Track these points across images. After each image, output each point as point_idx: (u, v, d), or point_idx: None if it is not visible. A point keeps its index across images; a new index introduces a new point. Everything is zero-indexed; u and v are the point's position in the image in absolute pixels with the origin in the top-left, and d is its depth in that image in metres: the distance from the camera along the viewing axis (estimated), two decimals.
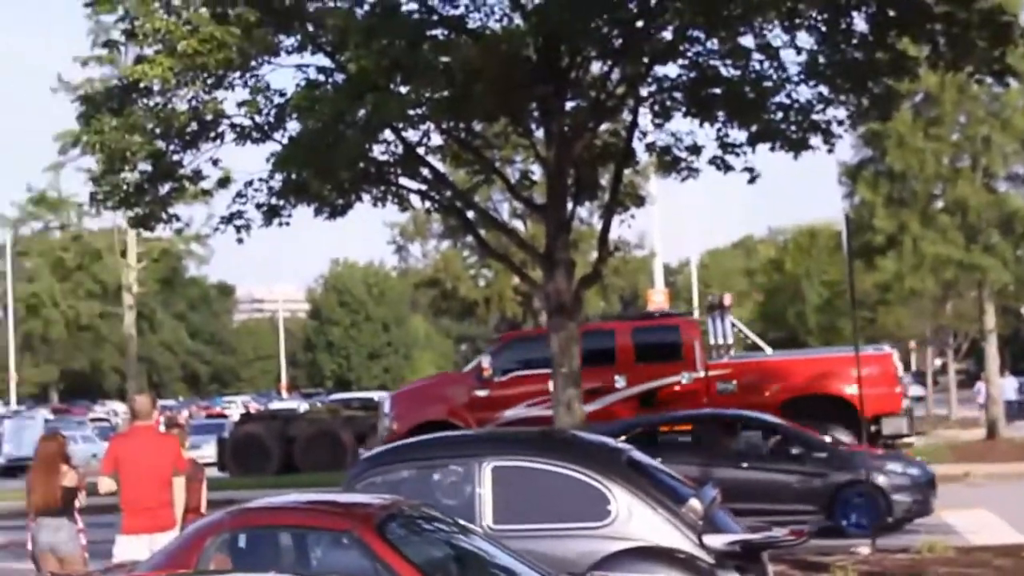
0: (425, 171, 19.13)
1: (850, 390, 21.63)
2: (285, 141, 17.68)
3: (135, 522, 11.57)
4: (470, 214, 20.88)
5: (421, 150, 19.12)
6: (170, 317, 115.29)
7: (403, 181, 19.48)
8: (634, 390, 23.26)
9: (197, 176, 18.72)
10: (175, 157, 18.40)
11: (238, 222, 19.02)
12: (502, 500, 9.65)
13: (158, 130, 17.57)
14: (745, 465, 17.24)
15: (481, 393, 23.83)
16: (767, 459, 17.54)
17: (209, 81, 17.15)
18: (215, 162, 18.53)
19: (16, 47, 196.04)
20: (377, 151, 18.38)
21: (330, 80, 17.31)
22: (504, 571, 8.08)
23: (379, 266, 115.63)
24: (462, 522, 8.77)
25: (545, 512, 9.59)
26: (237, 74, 17.52)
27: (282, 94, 17.66)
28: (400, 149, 18.69)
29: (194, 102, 17.42)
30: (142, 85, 17.20)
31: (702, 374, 23.64)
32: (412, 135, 18.65)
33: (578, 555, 9.16)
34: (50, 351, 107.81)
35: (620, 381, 23.35)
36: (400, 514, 8.28)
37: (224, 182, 18.63)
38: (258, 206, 18.94)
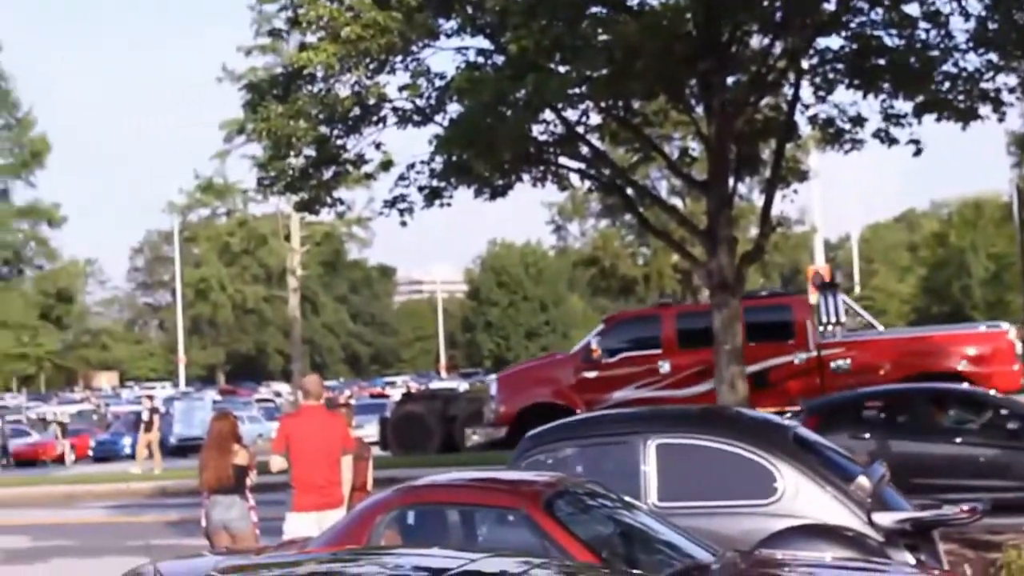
0: (585, 150, 19.19)
1: (966, 368, 21.06)
2: (446, 123, 17.90)
3: (305, 500, 11.89)
4: (630, 192, 20.87)
5: (580, 129, 19.18)
6: (332, 299, 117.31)
7: (563, 160, 19.57)
8: (745, 371, 22.89)
9: (360, 160, 19.05)
10: (338, 142, 18.76)
11: (401, 205, 19.32)
12: (667, 477, 9.66)
13: (322, 115, 17.93)
14: (959, 441, 16.44)
15: (589, 374, 23.73)
16: (982, 434, 16.66)
17: (371, 66, 17.43)
18: (377, 146, 18.84)
19: (182, 39, 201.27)
20: (537, 131, 18.50)
21: (490, 61, 17.48)
22: (670, 547, 8.10)
23: (536, 246, 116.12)
24: (628, 499, 8.82)
25: (710, 489, 9.58)
26: (399, 58, 17.78)
27: (442, 77, 17.89)
28: (560, 128, 18.77)
29: (357, 87, 17.74)
30: (306, 72, 17.57)
31: (815, 353, 23.17)
32: (571, 114, 18.74)
33: (744, 533, 9.14)
34: (217, 334, 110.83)
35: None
36: (567, 491, 8.34)
37: (386, 165, 18.93)
38: (420, 188, 19.21)
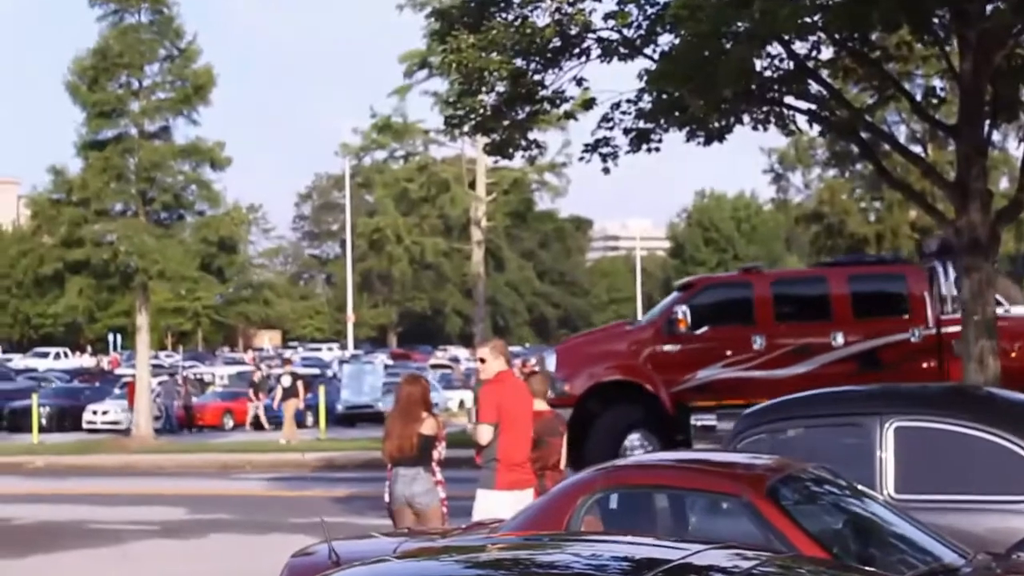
0: (815, 88, 18.92)
1: None
2: (657, 56, 17.83)
3: (508, 477, 12.06)
4: (865, 137, 20.52)
5: (811, 64, 18.92)
6: (518, 255, 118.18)
7: (789, 100, 19.33)
8: (852, 349, 21.81)
9: (559, 98, 19.10)
10: (535, 77, 18.82)
11: (604, 149, 19.34)
12: (907, 466, 9.53)
13: (517, 47, 18.00)
14: None
15: (669, 348, 22.45)
16: None
17: None
18: (579, 82, 18.85)
19: None
20: (761, 66, 18.30)
21: None
22: (910, 545, 8.00)
23: (751, 198, 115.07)
24: (861, 488, 8.74)
25: (957, 481, 9.43)
26: None
27: (654, 3, 17.79)
28: (787, 63, 18.54)
29: (557, 15, 17.76)
30: None
31: (934, 331, 22.46)
32: (801, 47, 18.48)
33: (995, 531, 8.97)
34: (389, 291, 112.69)
35: (836, 339, 21.98)
36: (793, 477, 8.29)
37: (588, 104, 18.95)
38: (625, 131, 19.19)
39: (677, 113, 18.54)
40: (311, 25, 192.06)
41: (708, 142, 19.17)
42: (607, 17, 18.00)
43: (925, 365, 21.52)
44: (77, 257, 38.30)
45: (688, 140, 19.26)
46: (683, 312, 21.97)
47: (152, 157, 37.52)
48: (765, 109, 19.45)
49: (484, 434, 12.27)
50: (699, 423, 20.95)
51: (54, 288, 49.01)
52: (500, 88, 18.99)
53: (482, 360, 12.70)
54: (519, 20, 18.17)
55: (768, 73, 18.67)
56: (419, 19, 43.42)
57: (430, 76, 45.51)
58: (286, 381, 37.80)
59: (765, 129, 19.60)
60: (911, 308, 22.18)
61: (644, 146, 19.22)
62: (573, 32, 18.10)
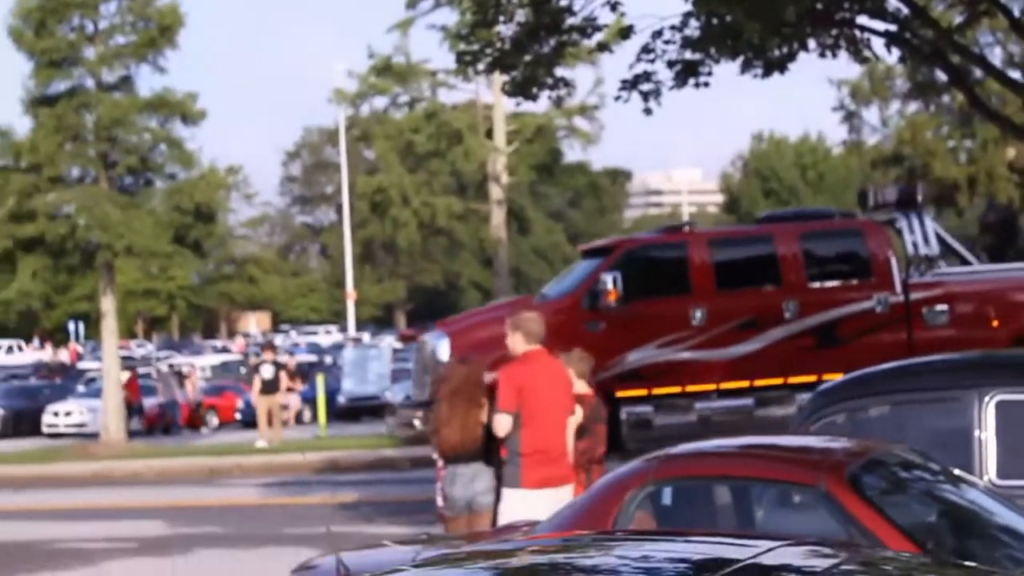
0: (894, 5, 18.89)
1: None
2: None
3: (536, 473, 12.07)
4: (955, 62, 20.49)
5: None
6: (545, 215, 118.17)
7: (862, 21, 19.30)
8: (808, 322, 21.41)
9: (590, 26, 19.10)
10: (562, 3, 18.84)
11: (645, 86, 19.34)
12: (1011, 447, 9.58)
13: None
14: None
15: (592, 328, 21.11)
16: None
17: None
18: (613, 6, 18.84)
19: None
20: None
21: None
22: (1015, 537, 8.05)
23: (818, 141, 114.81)
24: (958, 472, 8.77)
25: None
26: None
27: None
28: None
29: None
30: None
31: (901, 298, 22.09)
32: None
33: None
34: (395, 263, 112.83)
35: (788, 309, 21.51)
36: (878, 462, 8.35)
37: (624, 33, 18.94)
38: (670, 64, 19.21)
39: (730, 40, 18.53)
40: None
41: (767, 73, 19.16)
42: None
43: (891, 338, 21.36)
44: (29, 233, 38.38)
45: (743, 72, 19.26)
46: (612, 281, 20.88)
47: (113, 113, 37.57)
48: (834, 32, 19.42)
49: (501, 425, 12.34)
50: (631, 417, 20.27)
51: (4, 270, 49.07)
52: (520, 16, 19.00)
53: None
54: None
55: None
56: None
57: (437, 7, 45.59)
58: (267, 372, 37.50)
59: (835, 56, 19.58)
60: (874, 271, 21.87)
61: (691, 80, 19.23)
62: None
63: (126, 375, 45.87)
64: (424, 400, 21.00)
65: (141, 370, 48.88)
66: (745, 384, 20.89)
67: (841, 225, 22.77)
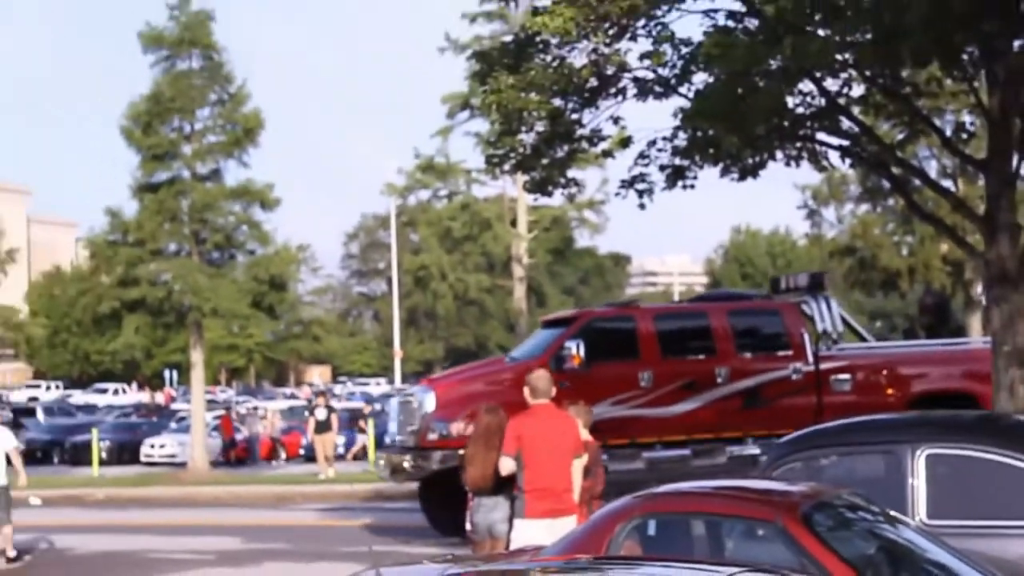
0: (846, 124, 18.85)
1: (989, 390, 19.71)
2: (691, 95, 17.84)
3: (537, 506, 12.02)
4: (896, 172, 20.45)
5: (842, 101, 18.86)
6: (559, 291, 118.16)
7: (821, 136, 19.27)
8: (738, 386, 21.25)
9: (596, 136, 19.12)
10: (573, 116, 18.86)
11: (640, 186, 19.34)
12: (938, 492, 9.48)
13: (556, 87, 18.03)
14: None
15: (560, 387, 21.09)
16: None
17: (611, 31, 17.45)
18: (615, 120, 18.87)
19: (400, 5, 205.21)
20: (793, 103, 18.28)
21: (741, 25, 17.32)
22: (943, 570, 7.94)
23: (786, 234, 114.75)
24: (894, 513, 8.68)
25: (989, 507, 9.36)
26: (640, 23, 17.76)
27: (688, 44, 17.79)
28: (819, 100, 18.50)
29: (594, 55, 17.78)
30: (539, 39, 17.73)
31: (812, 368, 21.66)
32: (832, 84, 18.42)
33: None
34: (435, 327, 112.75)
35: (721, 375, 21.25)
36: (826, 503, 8.25)
37: (625, 142, 18.95)
38: (661, 168, 19.20)
39: (711, 150, 18.55)
40: (355, 68, 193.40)
41: (742, 178, 19.13)
42: (642, 57, 18.02)
43: (804, 401, 21.15)
44: (133, 296, 38.44)
45: (722, 176, 19.23)
46: (576, 347, 20.60)
47: (204, 199, 37.72)
48: (798, 145, 19.40)
49: (503, 465, 12.41)
50: None
51: (112, 326, 49.16)
52: (539, 127, 19.04)
53: None
54: (557, 61, 18.22)
55: (800, 110, 18.63)
56: (460, 62, 43.69)
57: (472, 117, 45.73)
58: (320, 414, 37.59)
59: (798, 165, 19.55)
60: (790, 344, 21.77)
61: (679, 182, 19.22)
62: (609, 72, 18.13)
63: (221, 414, 46.07)
64: (410, 445, 20.92)
65: (220, 413, 48.85)
66: (683, 437, 20.76)
67: (763, 305, 22.76)
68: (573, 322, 21.57)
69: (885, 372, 21.82)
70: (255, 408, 52.66)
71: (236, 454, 44.46)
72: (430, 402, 20.88)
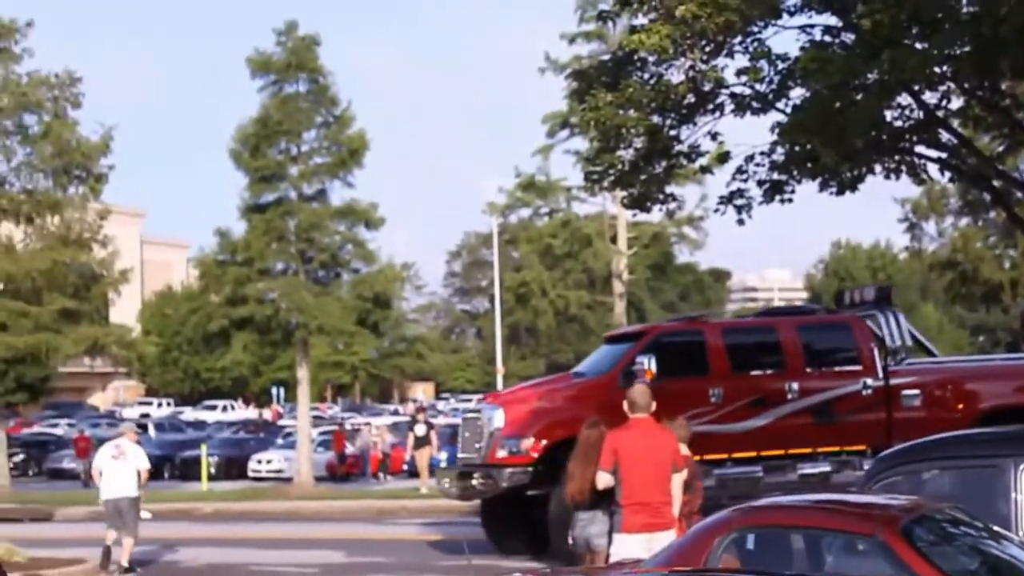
0: (945, 137, 18.59)
1: None
2: (788, 110, 17.69)
3: (635, 520, 11.91)
4: (996, 184, 20.11)
5: (940, 113, 18.60)
6: (659, 307, 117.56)
7: (919, 149, 19.01)
8: (808, 401, 20.63)
9: (694, 152, 19.00)
10: (671, 132, 18.77)
11: (738, 201, 19.18)
12: None
13: (653, 104, 17.96)
14: None
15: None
16: None
17: (707, 48, 17.35)
18: (713, 136, 18.75)
19: (501, 28, 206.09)
20: (891, 116, 18.05)
21: (838, 40, 17.15)
22: None
23: (886, 248, 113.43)
24: (997, 528, 8.49)
25: None
26: (737, 39, 17.64)
27: (785, 59, 17.64)
28: (917, 113, 18.25)
29: (691, 72, 17.70)
30: (636, 57, 17.68)
31: (882, 383, 20.98)
32: (930, 97, 18.18)
33: None
34: (536, 343, 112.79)
35: (791, 390, 20.62)
36: (927, 517, 8.11)
37: (723, 157, 18.83)
38: (759, 183, 19.04)
39: (809, 164, 18.35)
40: (457, 89, 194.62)
41: (840, 192, 18.90)
42: (739, 73, 17.88)
43: (873, 417, 20.62)
44: (242, 314, 38.82)
45: (821, 190, 19.02)
46: (648, 361, 19.84)
47: (310, 219, 38.03)
48: (896, 158, 19.15)
49: (600, 479, 12.35)
50: None
51: (221, 344, 49.89)
52: (637, 144, 18.98)
53: None
54: (654, 78, 18.15)
55: (898, 123, 18.40)
56: (560, 81, 43.66)
57: (571, 136, 45.71)
58: (420, 430, 37.78)
59: (897, 178, 19.31)
60: (860, 359, 21.14)
61: (777, 197, 19.04)
62: (707, 88, 18.02)
63: (332, 429, 46.52)
64: (477, 463, 20.44)
65: (329, 427, 49.21)
66: (753, 454, 20.35)
67: (832, 319, 22.13)
68: (641, 337, 21.11)
69: (955, 387, 21.23)
70: (367, 423, 52.95)
71: (346, 468, 44.77)
72: (498, 419, 20.43)
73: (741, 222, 19.34)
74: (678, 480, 12.28)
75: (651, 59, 17.73)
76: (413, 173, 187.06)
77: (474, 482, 20.31)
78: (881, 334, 21.43)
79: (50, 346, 33.52)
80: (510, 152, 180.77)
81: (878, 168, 18.93)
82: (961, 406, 20.76)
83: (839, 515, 8.35)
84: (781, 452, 20.23)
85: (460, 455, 21.49)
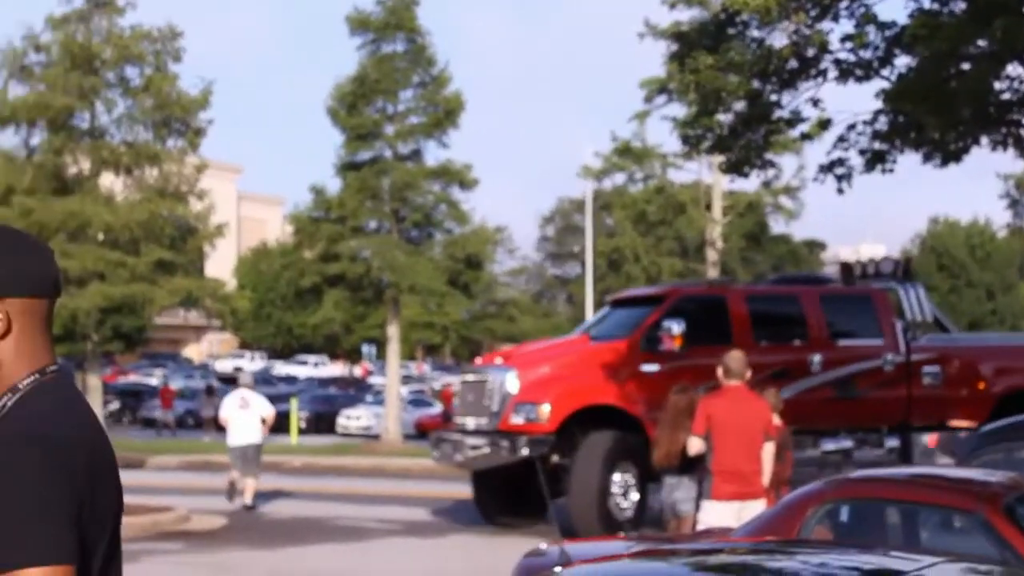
0: None
1: None
2: (893, 78, 17.28)
3: (726, 488, 11.73)
4: None
5: None
6: (752, 276, 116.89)
7: None
8: (831, 375, 19.73)
9: (795, 118, 18.65)
10: (772, 97, 18.42)
11: (839, 170, 18.80)
12: None
13: (755, 68, 17.62)
14: None
15: (649, 369, 18.99)
16: None
17: (813, 12, 16.98)
18: (815, 102, 18.38)
19: None
20: (1000, 87, 17.56)
21: (947, 8, 16.71)
22: None
23: (986, 225, 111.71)
24: None
25: None
26: (843, 3, 17.25)
27: (891, 26, 17.22)
28: None
29: (795, 36, 17.32)
30: (739, 19, 17.36)
31: (904, 358, 20.05)
32: None
33: None
34: None
35: (814, 363, 19.70)
36: None
37: (824, 124, 18.43)
38: (861, 152, 18.64)
39: (913, 134, 17.93)
40: (555, 52, 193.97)
41: (944, 163, 18.44)
42: (844, 39, 17.48)
43: (895, 393, 19.94)
44: (334, 271, 39.05)
45: (925, 161, 18.59)
46: (675, 327, 18.86)
47: (405, 178, 38.11)
48: (1003, 131, 18.65)
49: (692, 445, 12.20)
50: None
51: (313, 300, 50.05)
52: (737, 108, 18.65)
53: None
54: (756, 42, 17.81)
55: (1006, 95, 17.89)
56: (658, 46, 43.33)
57: (668, 102, 45.28)
58: None
59: (1005, 149, 18.78)
60: (882, 332, 20.34)
61: (879, 167, 18.60)
62: (810, 54, 17.62)
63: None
64: (486, 428, 19.39)
65: (416, 387, 49.34)
66: None
67: (854, 290, 21.19)
68: (663, 300, 20.11)
69: (977, 364, 20.53)
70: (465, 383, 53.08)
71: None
72: (511, 382, 19.18)
73: (841, 191, 18.92)
74: (770, 449, 12.07)
75: (754, 22, 17.39)
76: (508, 136, 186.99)
77: (486, 449, 19.16)
78: (902, 308, 20.80)
79: (146, 296, 33.86)
80: (606, 117, 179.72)
81: (984, 139, 18.44)
82: (983, 384, 20.20)
83: (938, 490, 8.14)
84: (803, 427, 18.61)
85: (458, 419, 20.28)
